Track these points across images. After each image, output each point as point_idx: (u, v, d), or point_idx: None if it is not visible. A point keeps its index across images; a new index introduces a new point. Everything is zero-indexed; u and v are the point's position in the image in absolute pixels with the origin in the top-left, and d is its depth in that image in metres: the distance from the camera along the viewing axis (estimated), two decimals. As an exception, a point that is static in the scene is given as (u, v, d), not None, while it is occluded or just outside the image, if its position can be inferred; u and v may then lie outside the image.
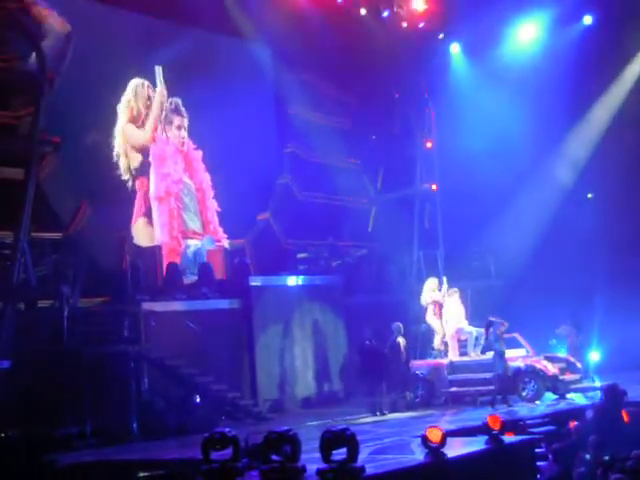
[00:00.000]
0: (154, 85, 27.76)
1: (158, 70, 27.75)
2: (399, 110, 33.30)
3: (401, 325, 24.04)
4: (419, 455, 14.17)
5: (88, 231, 23.90)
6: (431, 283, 26.69)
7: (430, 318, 26.00)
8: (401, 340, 23.81)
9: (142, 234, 26.80)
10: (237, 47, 29.42)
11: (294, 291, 27.09)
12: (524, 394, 23.66)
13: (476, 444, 15.23)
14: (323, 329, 27.49)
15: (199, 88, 27.44)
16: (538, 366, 23.81)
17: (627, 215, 30.55)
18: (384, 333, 24.86)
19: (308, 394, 26.71)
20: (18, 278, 20.76)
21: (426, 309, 26.21)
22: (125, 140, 26.92)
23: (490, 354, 24.01)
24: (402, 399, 24.06)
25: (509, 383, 23.37)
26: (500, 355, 23.20)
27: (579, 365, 24.54)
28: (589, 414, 17.61)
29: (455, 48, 32.37)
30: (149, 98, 27.67)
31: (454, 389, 24.72)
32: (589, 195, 33.08)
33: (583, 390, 23.91)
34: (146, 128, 27.61)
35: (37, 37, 21.91)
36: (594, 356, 25.42)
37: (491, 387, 23.63)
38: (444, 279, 26.90)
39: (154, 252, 26.28)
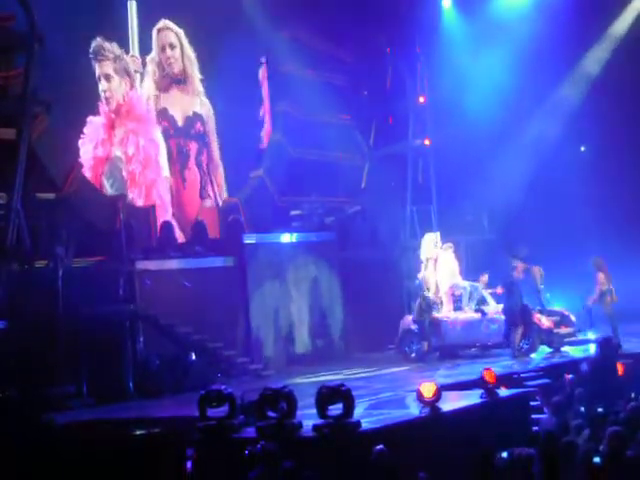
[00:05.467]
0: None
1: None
2: (391, 65, 33.12)
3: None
4: (414, 410, 14.28)
5: (81, 191, 23.81)
6: (431, 238, 26.66)
7: (427, 273, 25.95)
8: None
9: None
10: (228, 2, 29.16)
11: (288, 248, 27.05)
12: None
13: (471, 398, 15.36)
14: (318, 286, 27.47)
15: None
16: (533, 319, 23.89)
17: (621, 167, 30.51)
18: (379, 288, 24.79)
19: (304, 351, 26.72)
20: (12, 239, 20.70)
21: (423, 264, 26.21)
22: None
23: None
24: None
25: None
26: None
27: (573, 318, 24.58)
28: (584, 367, 17.74)
29: (446, 2, 32.15)
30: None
31: (449, 343, 24.83)
32: (582, 148, 33.03)
33: (577, 343, 24.00)
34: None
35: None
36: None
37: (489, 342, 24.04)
38: (437, 234, 26.91)
39: (148, 211, 26.22)
